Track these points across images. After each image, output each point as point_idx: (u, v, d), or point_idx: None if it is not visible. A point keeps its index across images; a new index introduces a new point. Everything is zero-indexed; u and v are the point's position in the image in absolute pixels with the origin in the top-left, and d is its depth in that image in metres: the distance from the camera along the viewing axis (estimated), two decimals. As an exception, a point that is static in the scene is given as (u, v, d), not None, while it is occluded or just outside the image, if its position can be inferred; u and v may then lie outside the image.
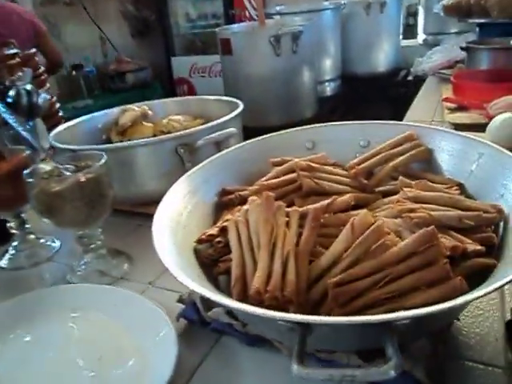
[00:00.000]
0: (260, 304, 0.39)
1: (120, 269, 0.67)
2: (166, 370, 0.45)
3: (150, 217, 0.54)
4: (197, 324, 0.52)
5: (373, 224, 0.40)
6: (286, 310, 0.39)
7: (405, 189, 0.50)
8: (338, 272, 0.40)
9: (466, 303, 0.32)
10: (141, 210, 0.81)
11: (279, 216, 0.44)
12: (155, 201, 0.76)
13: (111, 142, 0.99)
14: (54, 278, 0.67)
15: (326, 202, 0.46)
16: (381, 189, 0.58)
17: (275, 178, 0.59)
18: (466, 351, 0.45)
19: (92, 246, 0.64)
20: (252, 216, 0.45)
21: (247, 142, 0.68)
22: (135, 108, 1.03)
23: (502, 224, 0.47)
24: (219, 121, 0.78)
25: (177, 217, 0.53)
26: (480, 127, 1.00)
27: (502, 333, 0.47)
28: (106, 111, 1.02)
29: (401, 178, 0.53)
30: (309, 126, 0.70)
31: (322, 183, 0.55)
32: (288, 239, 0.42)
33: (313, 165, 0.56)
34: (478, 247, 0.40)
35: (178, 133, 0.74)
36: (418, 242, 0.38)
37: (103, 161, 0.61)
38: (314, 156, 0.60)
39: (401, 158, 0.59)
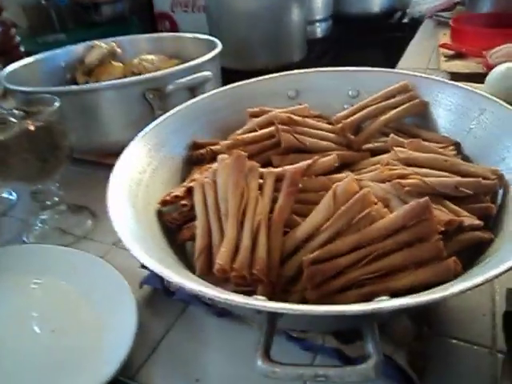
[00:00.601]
0: (226, 280, 0.34)
1: (82, 227, 0.61)
2: (125, 342, 0.40)
3: None
4: (161, 292, 0.48)
5: (358, 192, 0.34)
6: (256, 288, 0.35)
7: (396, 148, 0.44)
8: (315, 246, 0.35)
9: (462, 292, 0.27)
10: (108, 162, 0.74)
11: (251, 179, 0.38)
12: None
13: (76, 84, 0.90)
14: (9, 236, 0.61)
15: (306, 162, 0.40)
16: (369, 146, 0.52)
17: (252, 131, 0.52)
18: (451, 328, 0.42)
19: (48, 202, 0.58)
20: (220, 177, 0.39)
21: (223, 88, 0.61)
22: (103, 45, 0.92)
23: (501, 191, 0.42)
24: (193, 63, 0.69)
25: (138, 175, 0.47)
26: (478, 77, 0.93)
27: (489, 308, 0.43)
28: (70, 47, 0.92)
29: (392, 135, 0.47)
30: (292, 72, 0.62)
31: (304, 139, 0.49)
32: (260, 207, 0.37)
33: (294, 118, 0.50)
34: (476, 221, 0.35)
35: (146, 75, 0.65)
36: (409, 215, 0.33)
37: (56, 106, 0.53)
38: (296, 107, 0.53)
39: (393, 111, 0.53)
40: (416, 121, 0.55)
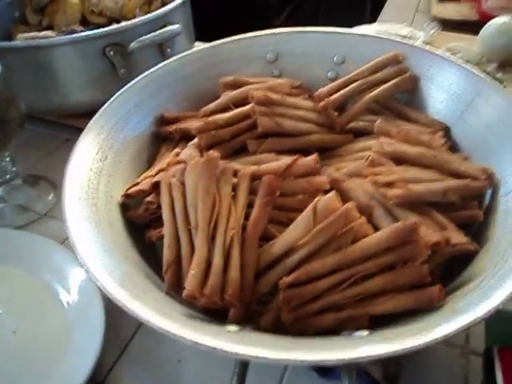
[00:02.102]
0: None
1: (43, 201, 0.57)
2: (95, 344, 0.39)
3: (81, 130, 0.43)
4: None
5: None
6: (227, 311, 0.33)
7: (382, 140, 0.40)
8: (293, 264, 0.32)
9: (446, 337, 0.26)
10: (68, 122, 0.68)
11: (223, 184, 0.35)
12: (86, 112, 0.64)
13: (26, 23, 0.80)
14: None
15: (284, 163, 0.36)
16: (354, 125, 0.48)
17: (225, 107, 0.47)
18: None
19: (0, 179, 0.52)
20: (189, 179, 0.35)
21: (193, 50, 0.54)
22: (56, -23, 0.80)
23: (489, 191, 0.40)
24: (159, 12, 0.61)
25: (98, 163, 0.42)
26: (471, 26, 0.88)
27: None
28: (16, -22, 0.79)
29: (378, 121, 0.43)
30: (272, 31, 0.55)
31: (282, 122, 0.44)
32: (233, 219, 0.33)
33: (272, 97, 0.44)
34: (463, 239, 0.33)
35: (105, 29, 0.57)
36: (395, 237, 0.31)
37: (-3, 72, 0.46)
38: (276, 81, 0.48)
39: (380, 88, 0.48)
40: (405, 96, 0.50)
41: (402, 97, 0.50)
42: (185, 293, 0.31)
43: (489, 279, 0.30)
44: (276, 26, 0.55)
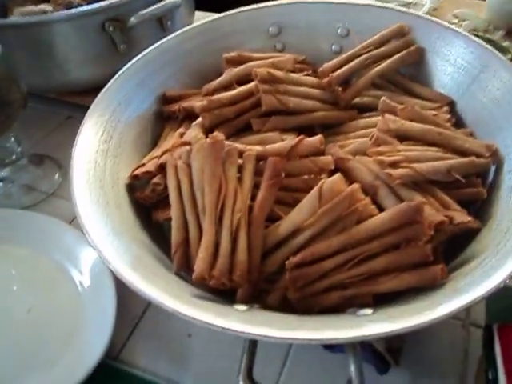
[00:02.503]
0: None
1: (50, 180, 0.57)
2: (107, 321, 0.40)
3: (82, 107, 0.43)
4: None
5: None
6: (235, 290, 0.34)
7: (387, 116, 0.40)
8: (299, 244, 0.33)
9: (448, 315, 0.27)
10: (69, 99, 0.67)
11: (229, 166, 0.35)
12: (87, 89, 0.63)
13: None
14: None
15: (289, 144, 0.36)
16: (358, 101, 0.48)
17: (228, 85, 0.47)
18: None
19: (6, 160, 0.53)
20: (195, 161, 0.36)
21: (193, 25, 0.53)
22: None
23: (493, 168, 0.40)
24: (158, -16, 0.59)
25: (104, 145, 0.42)
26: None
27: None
28: None
29: (383, 99, 0.42)
30: (273, 3, 0.54)
31: (287, 100, 0.44)
32: (239, 201, 0.34)
33: (276, 74, 0.44)
34: (467, 218, 0.33)
35: (103, 4, 0.56)
36: (399, 217, 0.31)
37: (-2, 54, 0.46)
38: (279, 58, 0.47)
39: (385, 62, 0.47)
40: (410, 69, 0.50)
41: (407, 70, 0.50)
42: (194, 275, 0.32)
43: (491, 258, 0.31)
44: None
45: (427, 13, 0.76)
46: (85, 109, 0.44)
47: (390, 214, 0.31)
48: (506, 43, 0.69)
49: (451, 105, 0.46)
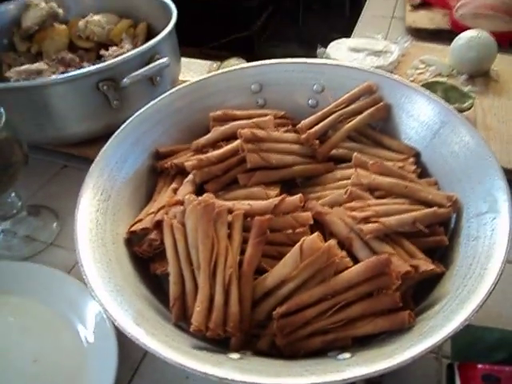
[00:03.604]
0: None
1: (48, 230, 0.61)
2: (110, 365, 0.43)
3: (77, 157, 0.47)
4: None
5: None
6: (228, 340, 0.37)
7: (359, 172, 0.45)
8: (284, 294, 0.37)
9: (413, 358, 0.31)
10: (65, 151, 0.71)
11: (220, 226, 0.39)
12: (82, 141, 0.67)
13: (15, 49, 0.82)
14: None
15: (272, 202, 0.41)
16: (334, 153, 0.53)
17: (216, 142, 0.52)
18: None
19: (7, 214, 0.56)
20: (189, 221, 0.40)
21: (181, 86, 0.58)
22: (41, 4, 0.82)
23: (454, 215, 0.45)
24: (146, 46, 0.64)
25: (104, 203, 0.46)
26: (444, 35, 0.93)
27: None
28: (-1, 7, 0.81)
29: (355, 154, 0.47)
30: (253, 64, 0.60)
31: (269, 157, 0.48)
32: (230, 258, 0.38)
33: (258, 134, 0.49)
34: (430, 267, 0.38)
35: (98, 66, 0.60)
36: (370, 270, 0.36)
37: (2, 120, 0.49)
38: (261, 119, 0.52)
39: (357, 118, 0.53)
40: (380, 123, 0.55)
41: (377, 124, 0.55)
42: (192, 328, 0.36)
43: (451, 303, 0.35)
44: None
45: (396, 59, 0.83)
46: (80, 158, 0.48)
47: (363, 266, 0.36)
48: (468, 87, 0.76)
49: (416, 156, 0.51)
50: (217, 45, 1.67)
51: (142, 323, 0.35)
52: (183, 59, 0.81)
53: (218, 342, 0.38)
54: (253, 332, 0.39)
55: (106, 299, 0.36)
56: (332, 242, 0.37)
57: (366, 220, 0.40)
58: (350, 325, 0.36)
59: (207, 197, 0.40)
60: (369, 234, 0.39)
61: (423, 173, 0.50)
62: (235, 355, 0.35)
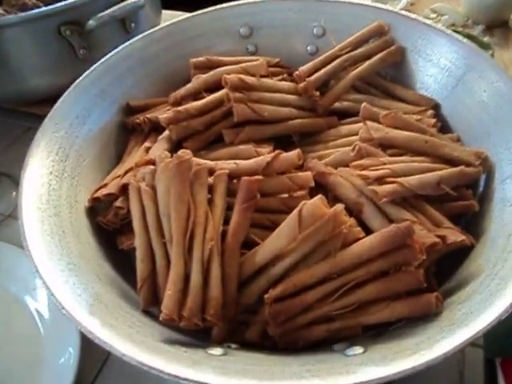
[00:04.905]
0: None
1: (6, 201, 0.53)
2: (72, 358, 0.36)
3: (42, 118, 0.39)
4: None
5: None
6: (210, 329, 0.30)
7: (369, 124, 0.37)
8: (278, 273, 0.30)
9: (445, 355, 0.24)
10: (28, 110, 0.62)
11: (198, 189, 0.31)
12: (47, 98, 0.58)
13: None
14: None
15: (264, 160, 0.33)
16: (337, 106, 0.45)
17: (197, 92, 0.43)
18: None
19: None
20: (161, 184, 0.32)
21: (158, 27, 0.49)
22: None
23: (483, 176, 0.37)
24: (119, -17, 0.55)
25: (60, 165, 0.38)
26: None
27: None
28: None
29: (364, 105, 0.39)
30: (244, 2, 0.50)
31: (261, 109, 0.40)
32: (210, 228, 0.30)
33: (248, 80, 0.40)
34: (460, 238, 0.31)
35: (57, 5, 0.51)
36: (387, 242, 0.28)
37: None
38: (251, 63, 0.43)
39: (365, 64, 0.44)
40: (390, 71, 0.47)
41: (387, 72, 0.47)
42: (162, 316, 0.28)
43: (488, 282, 0.28)
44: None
45: (404, 7, 0.74)
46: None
47: (378, 237, 0.28)
48: (486, 38, 0.67)
49: (436, 108, 0.43)
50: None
51: (98, 311, 0.28)
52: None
53: (197, 333, 0.30)
54: (240, 318, 0.31)
55: (54, 280, 0.29)
56: (339, 206, 0.29)
57: (380, 180, 0.32)
58: (360, 311, 0.29)
59: (183, 153, 0.32)
60: (384, 197, 0.31)
61: (443, 128, 0.42)
62: (217, 350, 0.28)
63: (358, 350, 0.27)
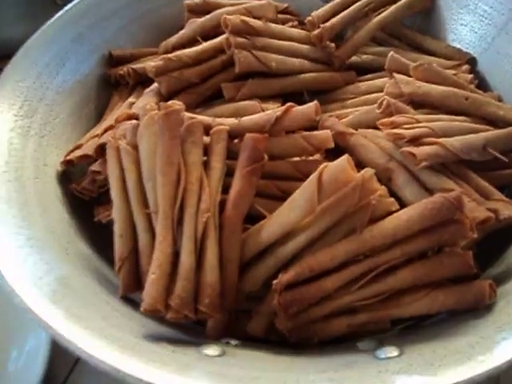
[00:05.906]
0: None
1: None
2: (41, 356, 0.31)
3: None
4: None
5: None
6: (204, 322, 0.24)
7: (398, 77, 0.31)
8: (290, 253, 0.24)
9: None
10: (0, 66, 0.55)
11: (191, 147, 0.25)
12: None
13: None
14: None
15: (273, 114, 0.27)
16: (357, 59, 0.39)
17: (192, 40, 0.36)
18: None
19: None
20: (144, 143, 0.26)
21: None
22: None
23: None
24: None
25: (24, 121, 0.32)
26: None
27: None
28: None
29: (391, 55, 0.33)
30: None
31: (267, 58, 0.34)
32: (206, 197, 0.24)
33: (252, 23, 0.34)
34: (517, 213, 0.25)
35: None
36: (432, 216, 0.22)
37: None
38: (256, 3, 0.37)
39: (389, 9, 0.38)
40: (418, 20, 0.40)
41: (414, 21, 0.40)
42: (143, 306, 0.22)
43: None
44: None
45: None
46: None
47: (419, 210, 0.22)
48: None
49: (471, 63, 0.37)
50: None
51: (63, 298, 0.22)
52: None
53: (188, 327, 0.25)
54: (241, 307, 0.26)
55: (7, 258, 0.23)
56: (369, 170, 0.23)
57: (416, 141, 0.26)
58: (392, 300, 0.23)
59: (172, 103, 0.26)
60: (424, 161, 0.25)
61: (479, 86, 0.36)
62: (213, 349, 0.22)
63: (392, 351, 0.21)
